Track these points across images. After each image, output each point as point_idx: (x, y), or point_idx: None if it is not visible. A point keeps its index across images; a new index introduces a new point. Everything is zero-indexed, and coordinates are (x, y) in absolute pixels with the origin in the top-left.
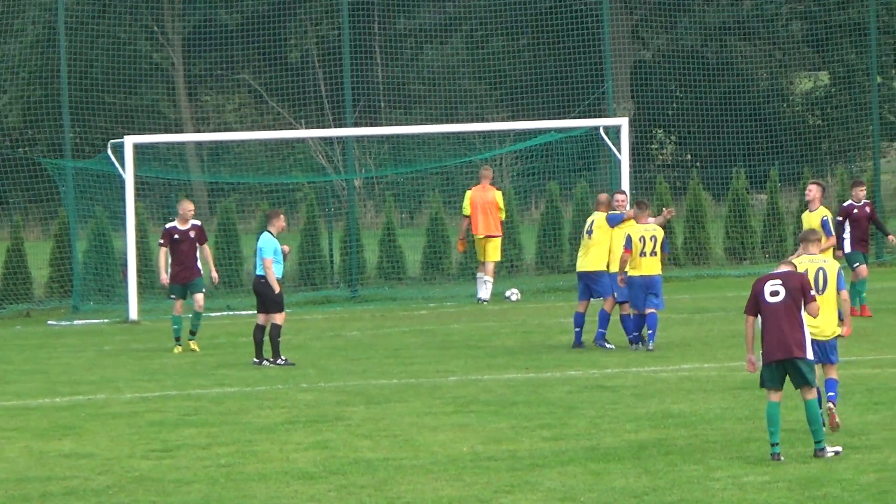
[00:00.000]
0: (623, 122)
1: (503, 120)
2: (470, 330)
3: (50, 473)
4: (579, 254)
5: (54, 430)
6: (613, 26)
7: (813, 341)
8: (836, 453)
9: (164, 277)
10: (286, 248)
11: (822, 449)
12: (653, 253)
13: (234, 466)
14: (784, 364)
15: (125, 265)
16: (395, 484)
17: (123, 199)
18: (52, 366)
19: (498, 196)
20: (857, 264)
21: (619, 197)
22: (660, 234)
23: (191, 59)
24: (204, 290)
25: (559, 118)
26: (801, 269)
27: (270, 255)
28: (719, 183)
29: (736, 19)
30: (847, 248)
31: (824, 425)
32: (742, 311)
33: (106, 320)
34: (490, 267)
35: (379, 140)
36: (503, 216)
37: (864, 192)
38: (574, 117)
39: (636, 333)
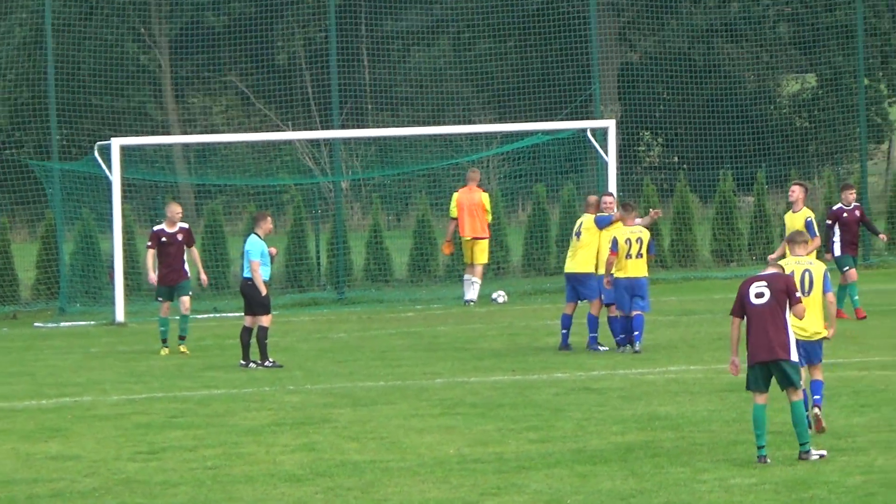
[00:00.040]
0: (610, 125)
1: (490, 122)
2: (457, 332)
3: (36, 475)
4: (568, 255)
5: (41, 432)
6: (600, 28)
7: (798, 342)
8: (821, 456)
9: (153, 277)
10: (273, 250)
11: (808, 452)
12: (639, 255)
13: (221, 468)
14: (769, 366)
15: (112, 267)
16: (382, 486)
17: (110, 201)
18: (38, 368)
19: (484, 198)
20: (847, 268)
21: (607, 199)
22: (646, 236)
23: (178, 61)
24: (190, 293)
25: (546, 120)
26: (787, 271)
27: (257, 258)
28: (706, 185)
29: (723, 21)
30: (837, 251)
31: (810, 428)
32: (729, 314)
33: (92, 322)
34: (478, 269)
35: (366, 142)
36: (490, 218)
37: (854, 195)
38: (561, 119)
39: (623, 336)
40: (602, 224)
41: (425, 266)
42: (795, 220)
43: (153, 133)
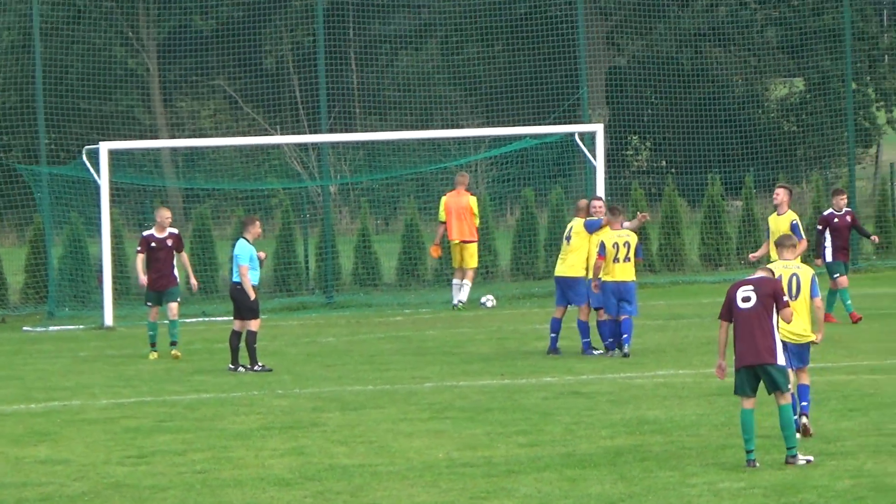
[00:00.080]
0: (598, 129)
1: (478, 126)
2: (445, 336)
3: (25, 479)
4: (558, 259)
5: (30, 436)
6: (588, 32)
7: (787, 344)
8: (808, 462)
9: (143, 279)
10: (262, 254)
11: (794, 456)
12: (626, 259)
13: (210, 472)
14: (756, 369)
15: (101, 271)
16: (371, 490)
17: (99, 205)
18: (27, 372)
19: (472, 201)
20: (837, 275)
21: (596, 203)
22: (633, 239)
23: (166, 65)
24: (179, 299)
25: (534, 124)
26: (775, 275)
27: (246, 262)
28: (694, 189)
29: (711, 25)
30: (828, 257)
31: (798, 432)
32: (717, 317)
33: (81, 326)
34: (470, 273)
35: (354, 146)
36: (478, 221)
37: (845, 200)
38: (549, 123)
39: (611, 339)
40: (591, 228)
41: (414, 270)
42: (780, 222)
43: (141, 137)
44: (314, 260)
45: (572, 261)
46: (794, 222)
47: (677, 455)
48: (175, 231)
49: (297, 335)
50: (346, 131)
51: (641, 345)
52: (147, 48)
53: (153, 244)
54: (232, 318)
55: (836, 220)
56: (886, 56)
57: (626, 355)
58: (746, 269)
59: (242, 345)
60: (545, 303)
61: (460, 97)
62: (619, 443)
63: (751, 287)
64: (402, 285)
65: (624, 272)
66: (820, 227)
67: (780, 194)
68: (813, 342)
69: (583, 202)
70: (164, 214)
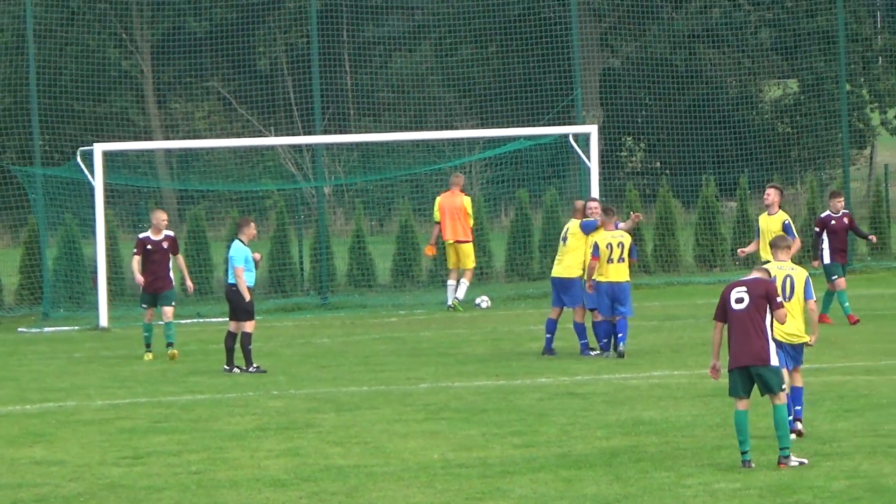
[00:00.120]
0: (592, 130)
1: (472, 127)
2: (440, 337)
3: (20, 480)
4: (555, 260)
5: (25, 437)
6: (582, 34)
7: (782, 344)
8: (801, 464)
9: (139, 278)
10: (257, 255)
11: (787, 457)
12: (620, 259)
13: (205, 473)
14: (749, 370)
15: (95, 272)
16: (367, 491)
17: (93, 207)
18: (22, 373)
19: (466, 201)
20: (836, 277)
21: (592, 204)
22: (627, 240)
23: (160, 67)
24: (174, 303)
25: (528, 126)
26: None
27: (241, 264)
28: (689, 190)
29: (705, 27)
30: (826, 258)
31: (792, 432)
32: (712, 318)
33: (76, 327)
34: (468, 273)
35: (348, 147)
36: (472, 222)
37: (842, 202)
38: (543, 125)
39: (605, 340)
40: (587, 229)
41: (408, 271)
42: (771, 222)
43: (135, 138)
44: (309, 261)
45: (568, 262)
46: (787, 222)
47: (673, 456)
48: (171, 234)
49: (292, 336)
50: (341, 132)
51: (636, 346)
52: (141, 50)
53: (149, 246)
54: (227, 319)
55: (833, 222)
56: (880, 57)
57: (621, 354)
58: (741, 269)
59: (238, 345)
60: (540, 304)
61: (454, 98)
62: (614, 443)
63: (744, 288)
64: (396, 286)
65: (618, 273)
66: (817, 230)
67: (771, 194)
68: (807, 344)
69: (579, 203)
70: (160, 217)
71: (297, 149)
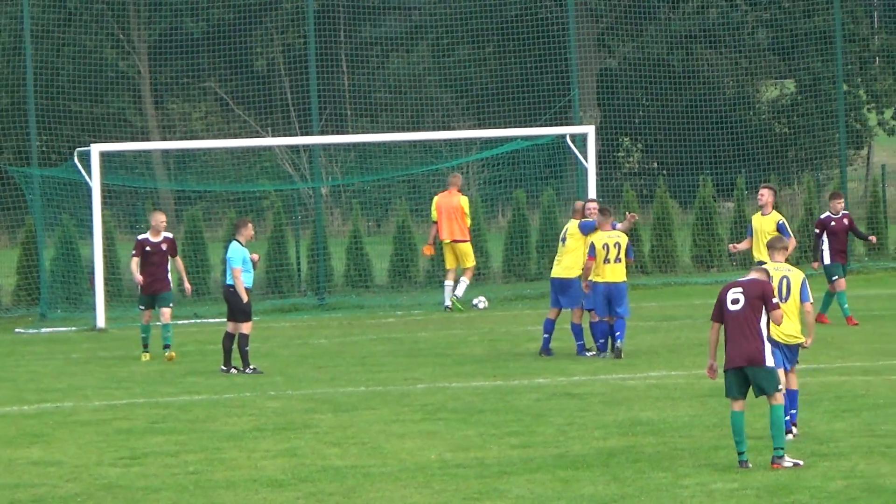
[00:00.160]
0: (589, 130)
1: (469, 128)
2: (437, 338)
3: (18, 481)
4: (555, 261)
5: (22, 437)
6: (579, 34)
7: (778, 344)
8: (796, 465)
9: (138, 277)
10: (255, 256)
11: (781, 458)
12: (617, 260)
13: (203, 474)
14: (743, 371)
15: (92, 273)
16: (364, 491)
17: (90, 207)
18: (19, 373)
19: (463, 201)
20: (836, 277)
21: (591, 205)
22: (623, 240)
23: (157, 68)
24: (171, 304)
25: (525, 126)
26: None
27: (239, 265)
28: (686, 191)
29: (702, 27)
30: (826, 259)
31: (788, 432)
32: (709, 319)
33: (73, 328)
34: (468, 272)
35: (345, 148)
36: (469, 222)
37: (842, 203)
38: (540, 125)
39: (602, 341)
40: (586, 230)
41: (406, 272)
42: (765, 222)
43: (133, 139)
44: (306, 262)
45: (567, 262)
46: (781, 222)
47: (670, 456)
48: (170, 235)
49: (290, 337)
50: (338, 133)
51: (634, 346)
52: (138, 50)
53: (148, 248)
54: (224, 319)
55: (832, 223)
56: (877, 58)
57: (618, 354)
58: (738, 270)
59: (235, 346)
60: (537, 304)
61: (451, 99)
62: (611, 444)
63: (740, 289)
64: (393, 287)
65: (614, 273)
66: (817, 231)
67: (765, 195)
68: (802, 345)
69: (578, 204)
70: (159, 218)
71: (295, 149)
